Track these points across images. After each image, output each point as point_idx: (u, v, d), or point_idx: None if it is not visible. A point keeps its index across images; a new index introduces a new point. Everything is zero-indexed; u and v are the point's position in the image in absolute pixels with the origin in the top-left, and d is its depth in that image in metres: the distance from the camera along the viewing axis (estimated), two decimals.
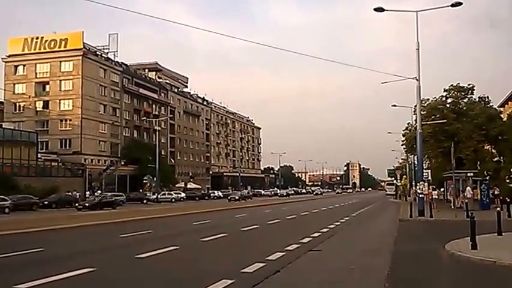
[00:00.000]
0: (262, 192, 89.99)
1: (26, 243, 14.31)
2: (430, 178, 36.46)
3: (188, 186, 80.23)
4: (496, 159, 40.46)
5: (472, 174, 29.98)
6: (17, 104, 64.73)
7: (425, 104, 36.31)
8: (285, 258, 10.45)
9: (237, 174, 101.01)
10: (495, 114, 39.25)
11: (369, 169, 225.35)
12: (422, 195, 25.07)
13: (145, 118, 75.60)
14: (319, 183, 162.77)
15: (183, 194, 64.25)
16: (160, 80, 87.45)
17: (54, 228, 19.69)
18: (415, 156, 37.32)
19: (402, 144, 45.00)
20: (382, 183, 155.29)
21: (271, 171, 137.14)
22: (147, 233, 17.58)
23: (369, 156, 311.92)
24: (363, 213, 30.85)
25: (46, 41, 65.49)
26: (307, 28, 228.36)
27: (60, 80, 64.35)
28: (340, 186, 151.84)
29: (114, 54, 71.88)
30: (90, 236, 17.78)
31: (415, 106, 28.69)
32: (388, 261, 10.19)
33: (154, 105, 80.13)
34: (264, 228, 19.55)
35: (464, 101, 38.71)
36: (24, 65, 65.44)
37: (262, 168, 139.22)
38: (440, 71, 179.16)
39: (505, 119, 41.51)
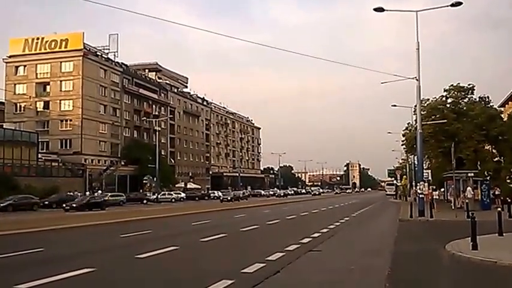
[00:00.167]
0: (262, 192, 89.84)
1: (27, 243, 14.31)
2: (430, 178, 36.41)
3: (188, 186, 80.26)
4: (496, 159, 40.42)
5: (472, 174, 29.95)
6: (18, 105, 64.81)
7: (426, 104, 36.29)
8: (285, 259, 10.44)
9: (237, 174, 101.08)
10: (495, 114, 39.23)
11: (369, 169, 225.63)
12: (423, 196, 25.06)
13: (145, 118, 75.68)
14: (319, 183, 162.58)
15: (183, 194, 64.25)
16: (160, 81, 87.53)
17: (55, 228, 19.69)
18: (415, 157, 37.31)
19: (402, 145, 45.04)
20: (382, 184, 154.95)
21: (271, 172, 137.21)
22: (147, 233, 17.58)
23: (369, 156, 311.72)
24: (363, 213, 30.83)
25: (46, 41, 65.62)
26: (307, 28, 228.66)
27: (61, 81, 64.48)
28: (339, 187, 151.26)
29: (114, 55, 72.09)
30: (90, 236, 17.79)
31: (415, 106, 28.69)
32: (388, 262, 10.18)
33: (154, 106, 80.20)
34: (263, 229, 19.53)
35: (465, 101, 38.70)
36: (24, 66, 65.53)
37: (262, 168, 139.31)
38: (440, 71, 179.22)
39: (505, 119, 41.47)
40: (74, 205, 36.38)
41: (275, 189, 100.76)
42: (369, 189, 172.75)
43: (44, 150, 60.30)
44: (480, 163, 37.62)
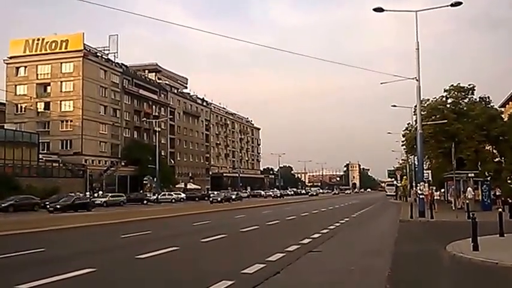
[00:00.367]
0: (262, 192, 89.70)
1: (28, 243, 14.32)
2: (430, 179, 36.39)
3: (188, 186, 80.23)
4: (497, 159, 40.33)
5: (473, 174, 29.89)
6: (19, 105, 64.92)
7: (426, 104, 36.22)
8: (285, 259, 10.43)
9: (237, 174, 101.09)
10: (496, 115, 39.16)
11: (368, 170, 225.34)
12: (423, 196, 25.03)
13: (145, 119, 75.74)
14: (319, 183, 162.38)
15: (183, 195, 64.16)
16: (160, 81, 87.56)
17: (56, 229, 19.71)
18: (416, 157, 37.29)
19: (402, 145, 44.91)
20: (382, 184, 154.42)
21: (271, 172, 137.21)
22: (147, 233, 17.60)
23: (369, 157, 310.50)
24: (363, 214, 30.79)
25: (47, 42, 65.73)
26: (306, 28, 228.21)
27: (61, 81, 64.64)
28: (339, 187, 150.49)
29: (114, 56, 72.15)
30: (91, 236, 17.81)
31: (415, 106, 28.66)
32: (388, 262, 10.16)
33: (154, 106, 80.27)
34: (263, 229, 19.50)
35: (465, 101, 38.62)
36: (25, 67, 65.65)
37: (261, 168, 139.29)
38: (440, 71, 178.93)
39: (506, 119, 41.39)
40: (58, 206, 35.04)
41: (275, 189, 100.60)
42: (369, 189, 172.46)
43: (45, 151, 60.48)
44: (481, 163, 37.56)
